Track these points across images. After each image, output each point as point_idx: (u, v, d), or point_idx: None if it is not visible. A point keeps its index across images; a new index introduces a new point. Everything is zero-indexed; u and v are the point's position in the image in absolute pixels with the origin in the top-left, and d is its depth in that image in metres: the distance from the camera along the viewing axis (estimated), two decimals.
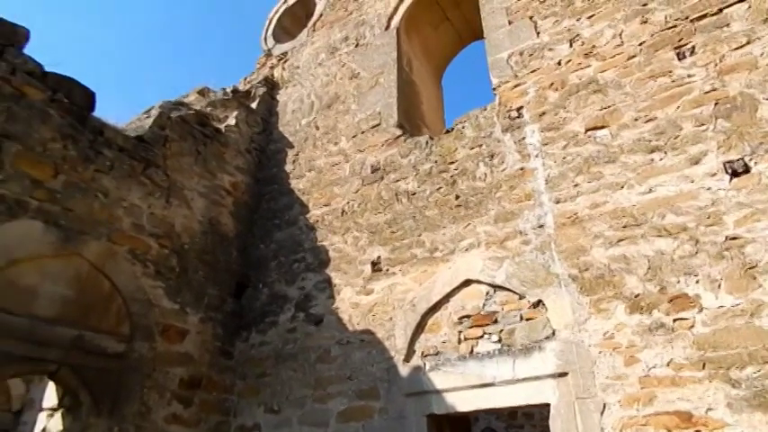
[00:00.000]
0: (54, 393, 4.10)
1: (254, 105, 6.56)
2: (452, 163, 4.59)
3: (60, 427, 3.94)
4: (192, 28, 24.77)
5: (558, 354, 3.35)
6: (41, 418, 4.24)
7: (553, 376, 3.32)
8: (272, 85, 6.88)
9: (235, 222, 5.62)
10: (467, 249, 4.11)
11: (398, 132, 5.17)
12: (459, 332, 3.85)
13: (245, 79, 7.21)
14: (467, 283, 3.96)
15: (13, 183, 3.75)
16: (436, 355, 3.89)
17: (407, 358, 4.01)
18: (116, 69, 21.68)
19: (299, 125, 6.22)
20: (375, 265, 4.58)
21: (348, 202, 5.12)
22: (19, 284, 3.62)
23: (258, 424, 4.57)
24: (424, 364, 3.90)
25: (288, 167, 5.98)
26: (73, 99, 4.33)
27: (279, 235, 5.53)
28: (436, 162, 4.69)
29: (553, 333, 3.44)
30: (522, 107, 4.39)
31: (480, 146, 4.48)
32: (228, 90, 6.74)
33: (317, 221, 5.28)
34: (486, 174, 4.32)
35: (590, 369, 3.19)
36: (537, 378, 3.40)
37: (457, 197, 4.38)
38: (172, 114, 5.35)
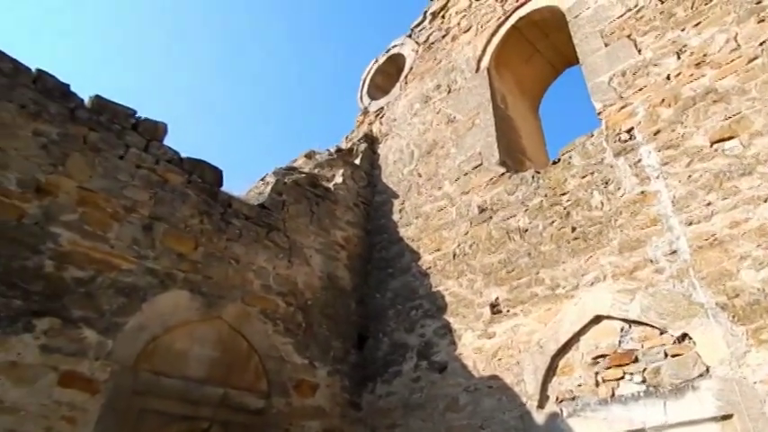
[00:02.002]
0: None
1: (357, 161, 6.90)
2: (563, 194, 4.45)
3: None
4: (289, 96, 26.91)
5: (718, 393, 3.00)
6: None
7: (715, 419, 2.97)
8: (371, 140, 7.21)
9: (351, 275, 5.84)
10: (592, 283, 3.90)
11: (502, 170, 5.14)
12: (596, 374, 3.60)
13: (347, 137, 7.64)
14: (597, 319, 3.74)
15: (163, 258, 4.26)
16: (573, 399, 3.66)
17: (541, 404, 3.81)
18: (217, 140, 24.02)
19: (402, 174, 6.42)
20: (494, 307, 4.49)
21: (459, 245, 5.12)
22: (173, 349, 4.04)
23: None
24: (561, 410, 3.68)
25: (395, 216, 6.15)
26: (205, 178, 4.88)
27: (393, 284, 5.64)
28: (546, 195, 4.57)
29: (707, 370, 3.10)
30: (632, 128, 4.18)
31: (592, 173, 4.31)
32: (332, 150, 7.18)
33: (430, 267, 5.33)
34: (602, 202, 4.12)
35: (760, 410, 2.81)
36: (694, 422, 3.06)
37: (573, 229, 4.21)
38: (286, 179, 5.80)
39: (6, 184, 3.62)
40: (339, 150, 7.17)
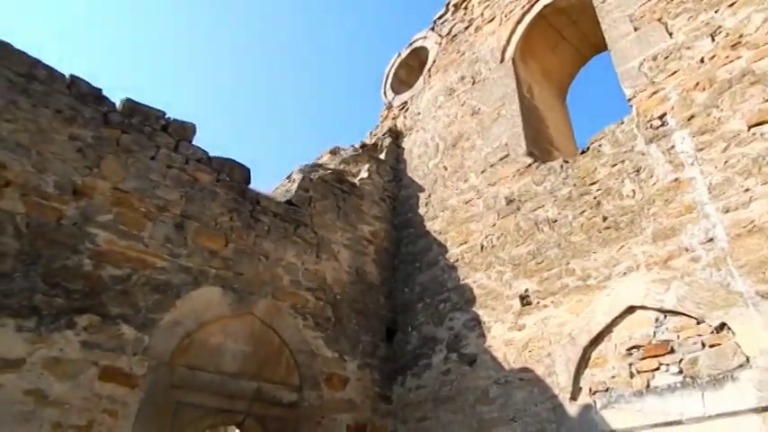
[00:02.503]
0: None
1: (382, 156, 6.91)
2: (593, 184, 4.36)
3: None
4: (312, 94, 27.07)
5: (759, 384, 2.91)
6: None
7: (756, 411, 2.88)
8: (396, 135, 7.20)
9: (378, 269, 5.87)
10: (624, 273, 3.82)
11: (529, 161, 5.07)
12: (630, 365, 3.54)
13: (371, 133, 7.65)
14: (630, 310, 3.66)
15: (195, 255, 4.36)
16: (606, 391, 3.60)
17: (574, 396, 3.77)
18: (242, 139, 24.36)
19: (427, 168, 6.39)
20: (524, 299, 4.44)
21: (486, 237, 5.09)
22: (207, 344, 4.14)
23: None
24: (594, 402, 3.63)
25: (421, 210, 6.14)
26: (233, 176, 4.96)
27: (421, 277, 5.64)
28: (575, 185, 4.49)
29: (747, 360, 3.01)
30: (664, 114, 4.07)
31: (622, 162, 4.21)
32: (357, 146, 7.20)
33: (457, 260, 5.31)
34: (634, 190, 4.03)
35: None
36: (734, 414, 2.97)
37: (604, 219, 4.13)
38: (312, 176, 5.85)
39: (45, 187, 3.75)
40: (364, 146, 7.18)
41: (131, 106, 4.49)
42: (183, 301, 4.10)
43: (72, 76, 4.25)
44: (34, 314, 3.38)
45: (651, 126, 4.11)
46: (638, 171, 4.07)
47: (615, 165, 4.27)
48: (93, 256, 3.79)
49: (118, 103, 4.45)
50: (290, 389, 4.45)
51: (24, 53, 4.04)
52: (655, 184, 3.91)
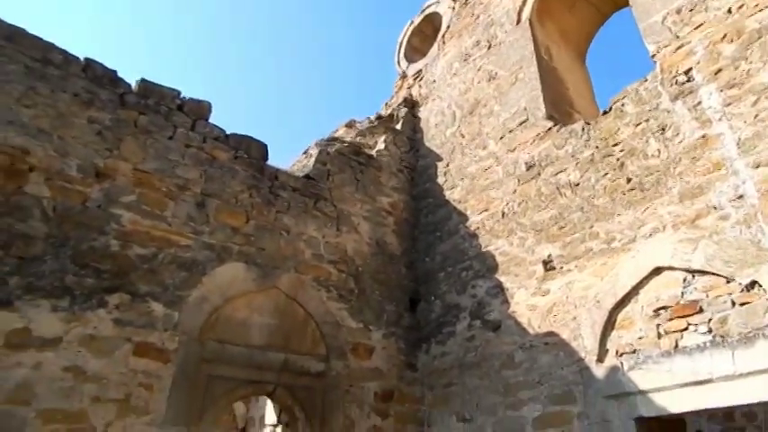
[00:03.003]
0: (272, 411, 4.66)
1: (398, 127, 6.84)
2: (616, 145, 4.26)
3: None
4: (324, 68, 26.80)
5: None
6: None
7: None
8: (412, 104, 7.11)
9: (399, 240, 5.87)
10: (650, 235, 3.76)
11: (549, 124, 4.96)
12: (658, 326, 3.51)
13: (386, 104, 7.56)
14: (657, 271, 3.61)
15: (217, 233, 4.41)
16: (634, 353, 3.59)
17: (600, 358, 3.77)
18: (255, 116, 24.34)
19: (444, 137, 6.32)
20: (547, 264, 4.42)
21: (507, 204, 5.04)
22: (234, 319, 4.22)
23: None
24: (621, 363, 3.62)
25: (440, 180, 6.09)
26: (251, 153, 4.96)
27: (442, 246, 5.64)
28: (597, 147, 4.39)
29: None
30: (690, 69, 3.92)
31: (647, 120, 4.10)
32: (373, 117, 7.13)
33: (478, 228, 5.28)
34: (659, 150, 3.92)
35: None
36: (766, 371, 2.94)
37: (628, 180, 4.04)
38: (329, 150, 5.83)
39: (68, 171, 3.80)
40: (379, 117, 7.11)
41: (147, 87, 4.50)
42: (209, 278, 4.17)
43: (87, 59, 4.26)
44: (67, 294, 3.48)
45: (676, 82, 3.98)
46: (663, 129, 3.96)
47: (639, 124, 4.16)
48: (119, 236, 3.86)
49: (133, 85, 4.46)
50: (317, 359, 4.54)
51: (39, 38, 4.05)
52: (681, 142, 3.80)
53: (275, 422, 4.59)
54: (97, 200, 3.86)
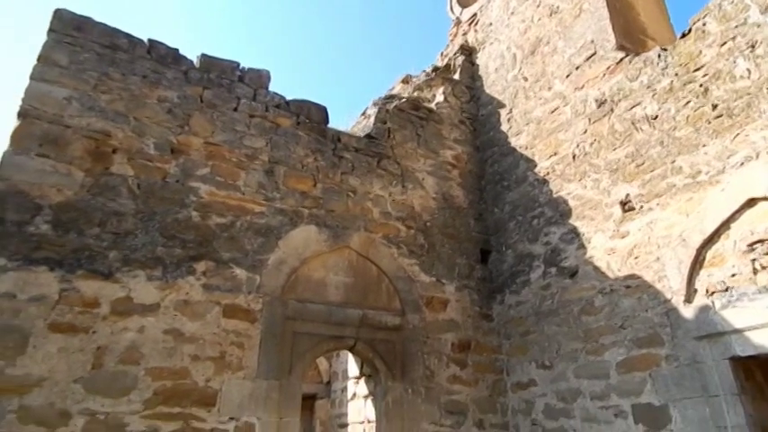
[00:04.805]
0: (355, 365, 4.87)
1: (456, 76, 6.63)
2: (698, 69, 3.90)
3: (366, 391, 4.66)
4: (375, 22, 26.23)
5: None
6: (350, 385, 5.08)
7: None
8: (469, 51, 6.85)
9: (465, 193, 5.80)
10: (741, 164, 3.46)
11: (620, 55, 4.62)
12: (753, 261, 3.27)
13: (442, 54, 7.33)
14: (751, 202, 3.34)
15: (288, 198, 4.55)
16: (726, 290, 3.38)
17: (689, 299, 3.59)
18: (307, 80, 24.37)
19: (506, 81, 6.06)
20: (625, 205, 4.20)
21: (578, 146, 4.80)
22: (312, 279, 4.39)
23: (533, 380, 4.66)
24: (713, 302, 3.43)
25: (504, 127, 5.89)
26: (312, 117, 5.02)
27: (510, 195, 5.51)
28: (676, 74, 4.05)
29: None
30: None
31: (733, 39, 3.70)
32: (429, 70, 6.95)
33: (548, 173, 5.09)
34: (749, 69, 3.55)
35: None
36: None
37: (714, 107, 3.71)
38: (387, 107, 5.77)
39: (147, 150, 4.03)
40: (436, 69, 6.92)
41: (208, 61, 4.62)
42: (284, 242, 4.34)
43: (150, 40, 4.42)
44: (159, 264, 3.75)
45: None
46: (752, 47, 3.57)
47: (724, 43, 3.77)
48: (199, 207, 4.08)
49: (195, 60, 4.59)
50: (393, 313, 4.65)
51: (104, 24, 4.24)
52: None
53: (358, 374, 4.80)
54: (175, 175, 4.08)
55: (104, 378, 3.30)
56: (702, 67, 3.88)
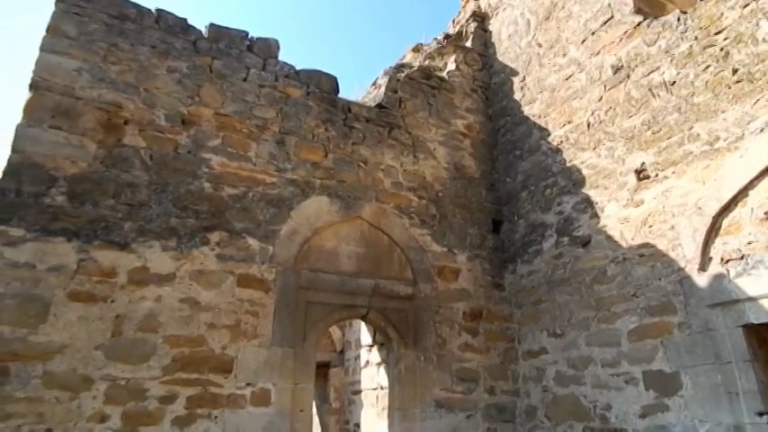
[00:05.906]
0: (367, 333, 4.94)
1: (468, 44, 6.50)
2: (719, 33, 3.78)
3: (379, 359, 4.73)
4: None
5: None
6: (363, 353, 5.17)
7: None
8: (481, 18, 6.69)
9: (477, 162, 5.75)
10: (761, 130, 3.38)
11: (638, 19, 4.48)
12: None
13: (454, 21, 7.16)
14: None
15: (299, 169, 4.55)
16: (742, 258, 3.35)
17: (703, 267, 3.56)
18: (318, 49, 23.99)
19: (519, 48, 5.93)
20: (640, 173, 4.14)
21: (592, 113, 4.72)
22: (324, 249, 4.42)
23: (544, 348, 4.70)
24: (728, 270, 3.41)
25: (517, 95, 5.79)
26: (322, 87, 4.97)
27: (523, 165, 5.46)
28: (696, 38, 3.93)
29: None
30: None
31: (757, 0, 3.57)
32: (440, 38, 6.81)
33: (561, 142, 5.02)
34: None
35: None
36: None
37: (734, 71, 3.61)
38: (398, 77, 5.69)
39: (158, 121, 4.04)
40: (447, 36, 6.78)
41: (216, 31, 4.57)
42: (296, 212, 4.36)
43: (158, 10, 4.37)
44: (173, 235, 3.79)
45: None
46: None
47: (747, 5, 3.64)
48: (211, 178, 4.09)
49: (203, 30, 4.54)
50: (405, 283, 4.69)
51: None
52: None
53: (370, 343, 4.87)
54: (187, 146, 4.09)
55: (124, 345, 3.38)
56: (723, 30, 3.75)
